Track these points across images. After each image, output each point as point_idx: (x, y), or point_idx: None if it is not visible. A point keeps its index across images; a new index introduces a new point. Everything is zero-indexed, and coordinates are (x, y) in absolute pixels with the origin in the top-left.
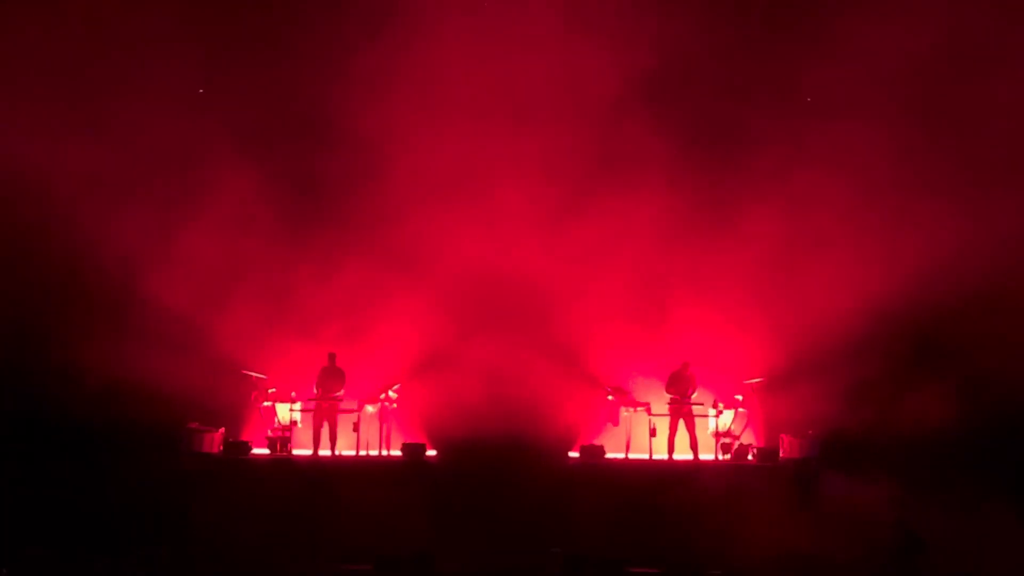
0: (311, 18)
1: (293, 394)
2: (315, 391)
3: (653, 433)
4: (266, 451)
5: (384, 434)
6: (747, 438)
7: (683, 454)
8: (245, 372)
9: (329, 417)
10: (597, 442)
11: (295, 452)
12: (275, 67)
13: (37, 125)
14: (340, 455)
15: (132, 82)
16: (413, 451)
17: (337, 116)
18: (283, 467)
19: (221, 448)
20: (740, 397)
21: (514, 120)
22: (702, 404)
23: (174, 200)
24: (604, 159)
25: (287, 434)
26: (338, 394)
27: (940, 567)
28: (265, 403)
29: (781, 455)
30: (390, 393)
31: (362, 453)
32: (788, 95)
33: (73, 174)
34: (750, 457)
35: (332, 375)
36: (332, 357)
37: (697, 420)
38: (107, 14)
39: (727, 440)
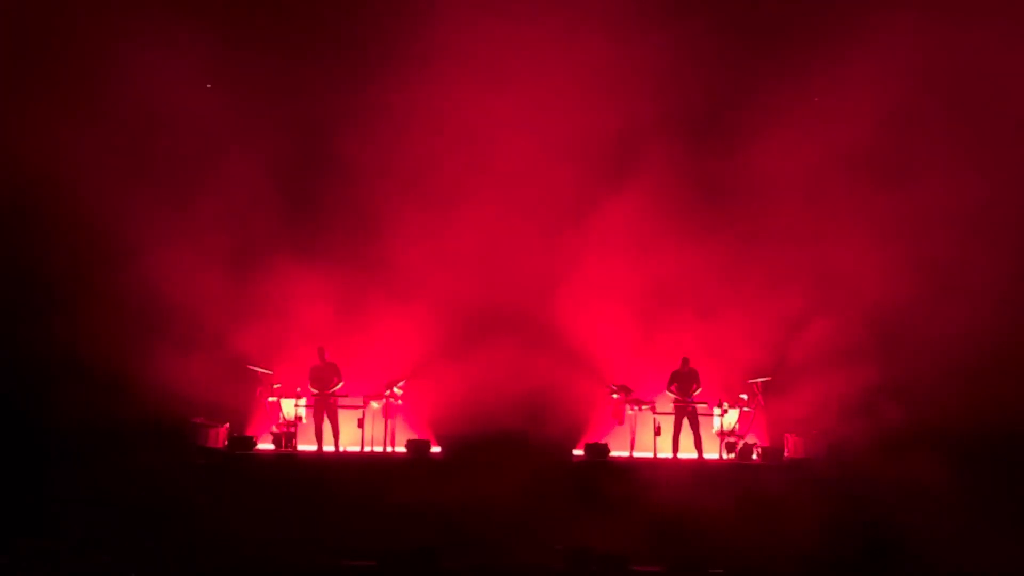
0: (323, 31)
1: (298, 389)
2: (311, 388)
3: (658, 432)
4: (271, 446)
5: (389, 430)
6: (752, 437)
7: (687, 453)
8: (250, 367)
9: (329, 412)
10: (602, 440)
11: (300, 448)
12: (286, 73)
13: (43, 120)
14: (345, 451)
15: (143, 81)
16: (418, 447)
17: (345, 120)
18: (288, 463)
19: (226, 443)
20: (745, 396)
21: (519, 127)
22: (705, 403)
23: (180, 195)
24: (612, 162)
25: (292, 430)
26: (336, 388)
27: (914, 566)
28: (270, 398)
29: (786, 454)
30: (395, 389)
31: (367, 449)
32: (794, 96)
33: (80, 169)
34: (755, 456)
35: (325, 370)
36: (321, 352)
37: (702, 419)
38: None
39: (732, 439)
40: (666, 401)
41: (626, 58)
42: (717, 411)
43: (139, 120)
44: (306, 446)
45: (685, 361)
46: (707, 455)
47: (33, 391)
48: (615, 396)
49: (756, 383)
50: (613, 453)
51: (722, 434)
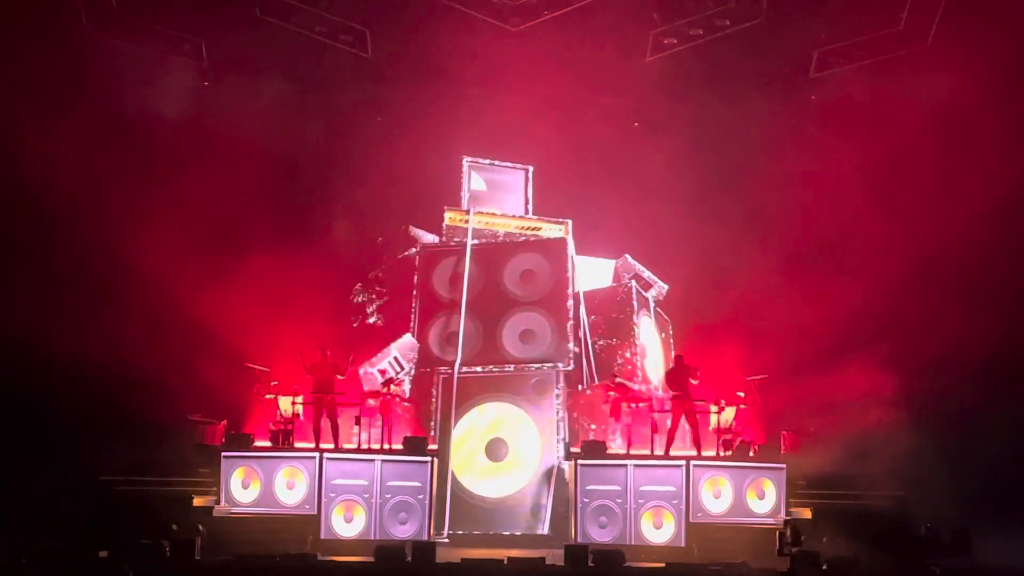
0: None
1: (296, 387)
2: (307, 375)
3: (655, 429)
4: (268, 444)
5: (386, 428)
6: (749, 435)
7: (681, 450)
8: (248, 365)
9: (329, 411)
10: (599, 438)
11: (297, 445)
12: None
13: (50, 125)
14: (342, 448)
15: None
16: (415, 445)
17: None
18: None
19: (224, 440)
20: (742, 394)
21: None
22: (704, 400)
23: (180, 195)
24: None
25: (289, 427)
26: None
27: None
28: (268, 396)
29: (783, 451)
30: (392, 387)
31: (364, 446)
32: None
33: (83, 174)
34: (751, 454)
35: (326, 369)
36: (323, 350)
37: (699, 416)
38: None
39: (728, 436)
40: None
41: None
42: (714, 408)
43: (134, 120)
44: (303, 443)
45: (679, 358)
46: (705, 452)
47: (33, 386)
48: (612, 394)
49: (753, 380)
50: (611, 450)
51: (719, 431)
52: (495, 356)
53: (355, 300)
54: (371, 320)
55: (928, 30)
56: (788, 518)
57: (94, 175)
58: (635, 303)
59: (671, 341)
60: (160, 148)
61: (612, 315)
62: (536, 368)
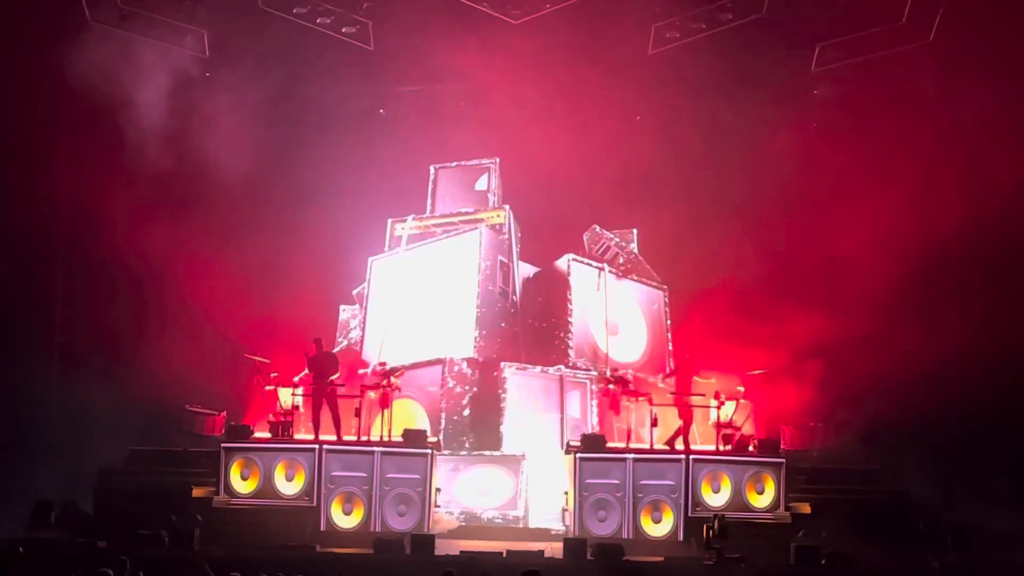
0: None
1: (296, 379)
2: (307, 374)
3: (655, 423)
4: (268, 435)
5: (386, 420)
6: (748, 429)
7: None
8: (248, 356)
9: (330, 402)
10: (599, 431)
11: (297, 436)
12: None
13: (49, 117)
14: (342, 440)
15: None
16: (414, 437)
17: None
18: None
19: (223, 431)
20: (742, 388)
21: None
22: (702, 395)
23: (178, 186)
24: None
25: (289, 418)
26: (334, 377)
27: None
28: (268, 387)
29: (782, 446)
30: (392, 379)
31: (363, 438)
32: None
33: (81, 165)
34: (751, 448)
35: (324, 361)
36: (319, 342)
37: (700, 411)
38: None
39: (729, 431)
40: (663, 393)
41: None
42: (714, 403)
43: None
44: (303, 435)
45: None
46: (704, 446)
47: (31, 376)
48: (612, 388)
49: (754, 375)
50: (610, 444)
51: (719, 426)
52: (416, 353)
53: (341, 317)
54: (352, 334)
55: (931, 25)
56: (718, 512)
57: (92, 166)
58: (571, 281)
59: (666, 311)
60: (158, 140)
61: (552, 295)
62: (428, 360)
